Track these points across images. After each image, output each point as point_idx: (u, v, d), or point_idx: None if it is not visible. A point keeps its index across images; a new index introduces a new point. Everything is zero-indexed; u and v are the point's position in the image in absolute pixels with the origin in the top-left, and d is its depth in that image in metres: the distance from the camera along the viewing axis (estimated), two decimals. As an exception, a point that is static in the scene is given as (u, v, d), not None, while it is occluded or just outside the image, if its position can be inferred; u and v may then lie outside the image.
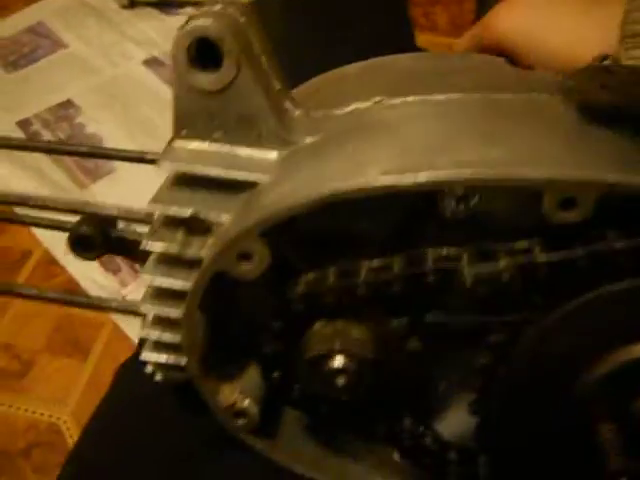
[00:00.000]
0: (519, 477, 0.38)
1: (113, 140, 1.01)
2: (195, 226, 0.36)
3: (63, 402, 0.83)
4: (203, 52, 0.35)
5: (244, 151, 0.37)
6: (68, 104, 1.06)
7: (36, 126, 1.04)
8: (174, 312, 0.36)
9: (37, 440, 0.79)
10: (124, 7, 1.19)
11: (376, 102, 0.38)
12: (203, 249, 0.35)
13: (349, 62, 0.49)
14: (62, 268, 0.90)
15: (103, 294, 0.84)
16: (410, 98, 0.38)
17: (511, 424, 0.36)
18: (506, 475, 0.38)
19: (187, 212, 0.35)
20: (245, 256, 0.33)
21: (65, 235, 0.42)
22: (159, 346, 0.38)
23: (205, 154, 0.37)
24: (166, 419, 0.45)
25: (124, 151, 0.43)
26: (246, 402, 0.38)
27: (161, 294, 0.37)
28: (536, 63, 0.46)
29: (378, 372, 0.34)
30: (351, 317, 0.34)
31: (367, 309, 0.34)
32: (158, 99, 1.04)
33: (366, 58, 0.46)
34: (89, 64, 1.11)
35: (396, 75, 0.43)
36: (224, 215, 0.35)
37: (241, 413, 0.38)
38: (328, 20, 0.71)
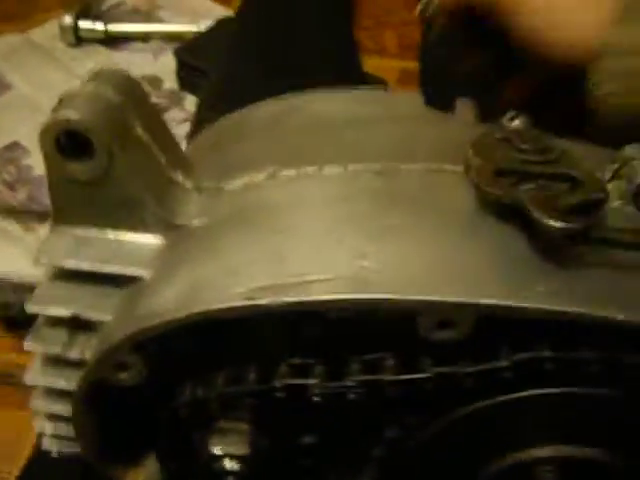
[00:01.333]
0: None
1: None
2: (79, 324, 0.34)
3: (13, 458, 0.79)
4: (74, 140, 0.33)
5: (128, 237, 0.35)
6: (15, 146, 1.03)
7: (-19, 170, 1.00)
8: (63, 410, 0.35)
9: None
10: (70, 45, 1.15)
11: (269, 174, 0.36)
12: (86, 350, 0.34)
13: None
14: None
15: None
16: (306, 169, 0.35)
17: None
18: None
19: (67, 312, 0.34)
20: (122, 366, 0.32)
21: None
22: (57, 438, 0.37)
23: (88, 242, 0.35)
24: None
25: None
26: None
27: (50, 393, 0.35)
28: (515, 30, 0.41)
29: (270, 470, 0.34)
30: (239, 418, 0.33)
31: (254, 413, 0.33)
32: None
33: (308, 85, 0.43)
34: (36, 105, 1.08)
35: (301, 128, 0.40)
36: (105, 314, 0.34)
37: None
38: (271, 54, 0.68)
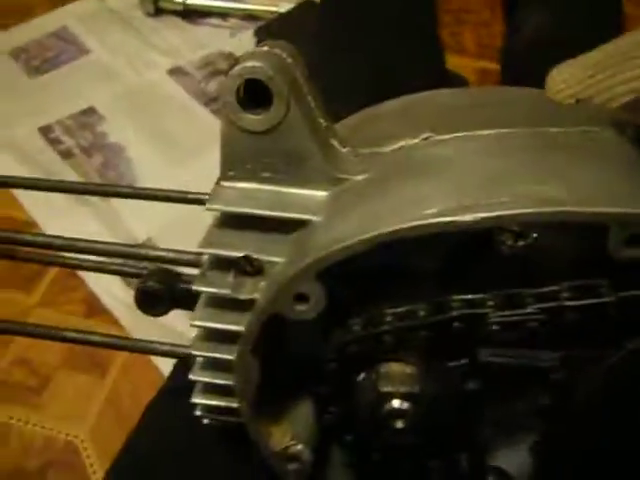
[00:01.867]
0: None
1: (135, 150, 1.00)
2: (246, 268, 0.36)
3: (80, 420, 0.82)
4: (251, 93, 0.35)
5: (293, 190, 0.36)
6: (91, 111, 1.05)
7: (57, 133, 1.03)
8: (226, 355, 0.36)
9: (53, 459, 0.78)
10: (149, 15, 1.18)
11: (424, 138, 0.38)
12: (256, 291, 0.35)
13: (375, 86, 0.48)
14: (81, 281, 0.89)
15: (123, 309, 0.83)
16: (459, 134, 0.37)
17: (574, 464, 0.36)
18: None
19: (239, 254, 0.35)
20: (301, 297, 0.33)
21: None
22: (209, 390, 0.38)
23: (254, 194, 0.36)
24: (201, 464, 0.45)
25: (167, 191, 0.42)
26: (299, 446, 0.38)
27: (212, 337, 0.36)
28: None
29: (436, 413, 0.34)
30: (409, 359, 0.34)
31: (425, 350, 0.34)
32: (182, 110, 1.03)
33: (392, 79, 0.45)
34: (113, 72, 1.10)
35: (437, 111, 0.42)
36: (276, 256, 0.35)
37: (293, 458, 0.38)
38: (356, 42, 0.70)
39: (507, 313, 0.32)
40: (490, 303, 0.32)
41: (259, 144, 0.36)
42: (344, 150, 0.38)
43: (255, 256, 0.35)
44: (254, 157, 0.36)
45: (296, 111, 0.35)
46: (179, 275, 0.41)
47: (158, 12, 1.18)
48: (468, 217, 0.30)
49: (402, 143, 0.38)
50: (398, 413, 0.34)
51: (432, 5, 0.78)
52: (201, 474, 0.46)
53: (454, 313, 0.32)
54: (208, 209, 0.36)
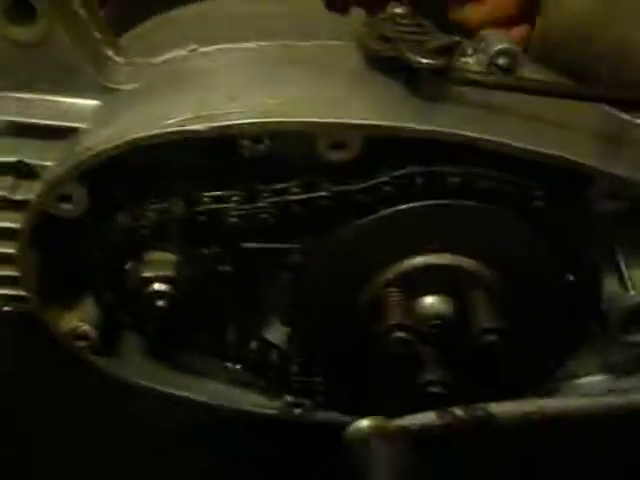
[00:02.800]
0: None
1: None
2: (23, 172, 0.39)
3: None
4: (20, 6, 0.37)
5: (66, 100, 0.40)
6: None
7: None
8: (8, 250, 0.40)
9: None
10: None
11: (191, 50, 0.42)
12: (30, 192, 0.39)
13: None
14: None
15: None
16: (221, 46, 0.41)
17: (314, 332, 0.42)
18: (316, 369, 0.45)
19: (14, 159, 0.39)
20: (65, 198, 0.37)
21: None
22: (1, 281, 0.42)
23: (28, 104, 0.39)
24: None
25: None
26: (85, 327, 0.43)
27: (-5, 235, 0.40)
28: None
29: (194, 293, 0.40)
30: (167, 247, 0.39)
31: (180, 240, 0.39)
32: None
33: None
34: None
35: (217, 22, 0.46)
36: (48, 160, 0.39)
37: (82, 336, 0.43)
38: None
39: (245, 207, 0.37)
40: (234, 199, 0.38)
41: (30, 56, 0.38)
42: (119, 60, 0.41)
43: (29, 161, 0.39)
44: (27, 69, 0.39)
45: (62, 25, 0.38)
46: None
47: None
48: (199, 127, 0.35)
49: (172, 54, 0.42)
50: (158, 293, 0.39)
51: None
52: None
53: (201, 208, 0.37)
54: (-19, 117, 0.39)
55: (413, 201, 0.37)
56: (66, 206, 0.37)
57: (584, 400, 0.38)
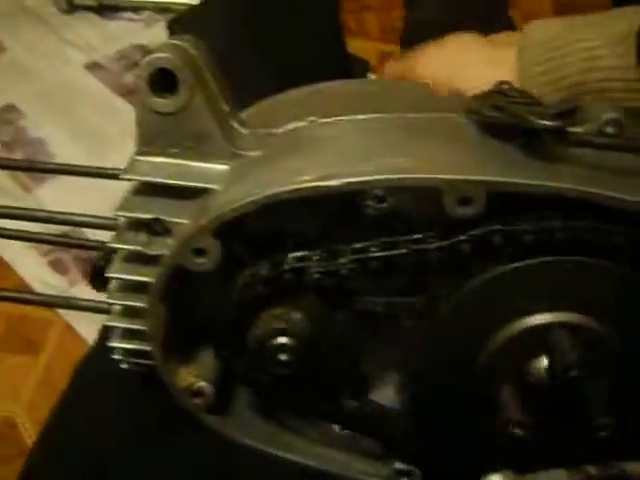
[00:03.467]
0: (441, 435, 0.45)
1: (57, 144, 1.03)
2: (156, 228, 0.42)
3: (17, 397, 0.86)
4: (162, 80, 0.41)
5: (197, 164, 0.43)
6: (10, 108, 1.08)
7: (-22, 131, 1.06)
8: (139, 303, 0.42)
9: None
10: (63, 11, 1.20)
11: (311, 121, 0.45)
12: (164, 248, 0.41)
13: (282, 73, 0.55)
14: (11, 270, 0.92)
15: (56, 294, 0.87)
16: (340, 117, 0.45)
17: (431, 393, 0.43)
18: (431, 433, 0.45)
19: (150, 216, 0.41)
20: (199, 252, 0.39)
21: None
22: (126, 335, 0.44)
23: (163, 167, 0.42)
24: (130, 402, 0.50)
25: (85, 167, 0.48)
26: (202, 383, 0.44)
27: (126, 288, 0.42)
28: None
29: (314, 350, 0.41)
30: (293, 303, 0.41)
31: (304, 296, 0.40)
32: (101, 103, 1.07)
33: (298, 66, 0.52)
34: (30, 69, 1.13)
35: (330, 98, 0.50)
36: (181, 218, 0.41)
37: (198, 393, 0.44)
38: (263, 31, 0.77)
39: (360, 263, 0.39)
40: (347, 257, 0.40)
41: (168, 124, 0.42)
42: (244, 131, 0.45)
43: (164, 218, 0.41)
44: (164, 135, 0.42)
45: (199, 97, 0.41)
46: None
47: (72, 8, 1.20)
48: (333, 182, 0.37)
49: (293, 125, 0.45)
50: (282, 348, 0.40)
51: None
52: (134, 416, 0.51)
53: (318, 267, 0.40)
54: (122, 178, 0.42)
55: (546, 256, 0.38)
56: (200, 260, 0.39)
57: None
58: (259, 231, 0.41)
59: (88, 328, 0.84)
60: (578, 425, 0.40)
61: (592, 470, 0.36)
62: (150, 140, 0.43)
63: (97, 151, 1.01)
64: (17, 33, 1.19)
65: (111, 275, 0.42)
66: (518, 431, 0.39)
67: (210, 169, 0.42)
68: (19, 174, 0.97)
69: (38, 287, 0.90)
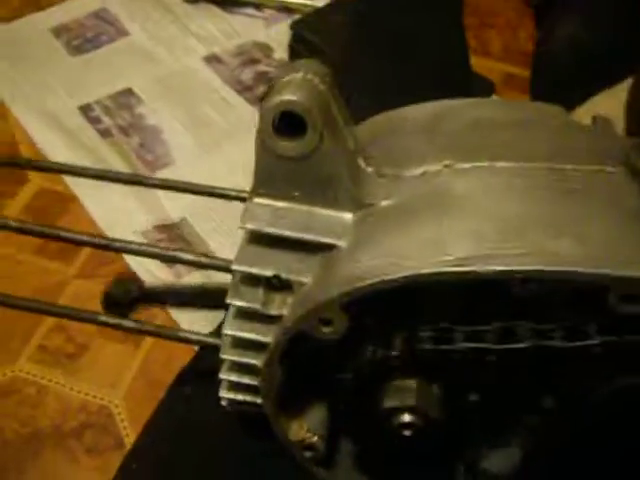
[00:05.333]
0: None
1: (172, 133, 1.02)
2: (274, 284, 0.39)
3: (114, 387, 0.87)
4: (286, 121, 0.37)
5: (321, 211, 0.39)
6: (129, 93, 1.08)
7: (97, 112, 1.06)
8: (253, 361, 0.39)
9: (89, 421, 0.83)
10: (187, 1, 1.20)
11: (445, 165, 0.40)
12: (283, 307, 0.38)
13: (403, 81, 0.50)
14: (117, 254, 0.92)
15: (158, 283, 0.86)
16: (479, 164, 0.40)
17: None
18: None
19: (269, 272, 0.38)
20: (326, 322, 0.36)
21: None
22: (235, 387, 0.41)
23: (283, 214, 0.39)
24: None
25: (224, 189, 0.46)
26: (314, 438, 0.42)
27: (240, 345, 0.40)
28: None
29: (440, 427, 0.38)
30: (423, 377, 0.37)
31: (437, 372, 0.37)
32: (216, 96, 1.05)
33: (419, 75, 0.47)
34: (151, 55, 1.13)
35: (460, 129, 0.44)
36: (303, 276, 0.38)
37: (309, 447, 0.42)
38: (385, 38, 0.72)
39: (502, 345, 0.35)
40: (489, 336, 0.36)
41: (292, 168, 0.38)
42: (369, 170, 0.40)
43: (284, 275, 0.38)
44: (286, 179, 0.39)
45: (329, 139, 0.37)
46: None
47: (196, -1, 1.20)
48: (484, 268, 0.33)
49: (424, 168, 0.40)
50: (406, 425, 0.37)
51: (458, 8, 0.80)
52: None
53: (453, 345, 0.35)
54: (241, 228, 0.39)
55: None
56: (326, 329, 0.36)
57: None
58: (391, 304, 0.37)
59: (187, 320, 0.84)
60: None
61: None
62: (269, 183, 0.39)
63: (209, 143, 0.99)
64: (140, 18, 1.19)
65: (226, 332, 0.39)
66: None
67: (335, 219, 0.39)
68: (134, 161, 0.97)
69: (142, 275, 0.89)
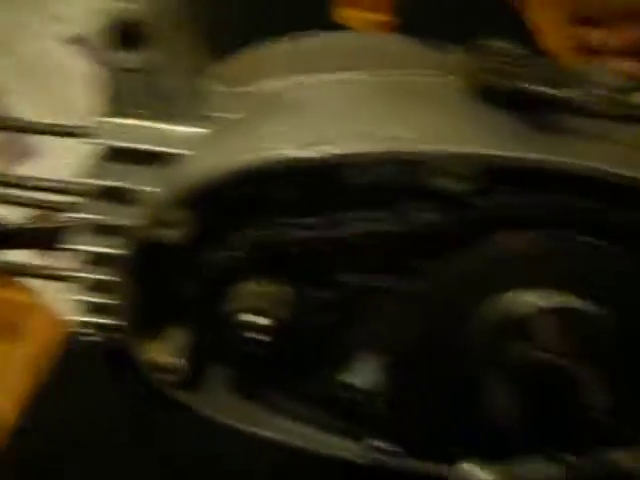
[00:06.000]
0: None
1: (35, 116, 0.99)
2: (124, 197, 0.39)
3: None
4: (129, 34, 0.37)
5: (168, 127, 0.39)
6: None
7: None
8: (107, 277, 0.39)
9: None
10: None
11: (294, 81, 0.41)
12: (131, 218, 0.38)
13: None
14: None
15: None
16: (324, 77, 0.41)
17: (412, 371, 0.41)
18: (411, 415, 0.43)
19: (114, 184, 0.38)
20: (169, 223, 0.36)
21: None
22: (93, 309, 0.41)
23: (132, 130, 0.39)
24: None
25: (54, 125, 0.45)
26: (175, 360, 0.42)
27: (93, 261, 0.39)
28: None
29: (290, 330, 0.38)
30: (270, 279, 0.38)
31: (282, 272, 0.38)
32: (82, 78, 1.02)
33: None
34: (7, 40, 1.09)
35: (312, 54, 0.46)
36: (150, 186, 0.38)
37: (170, 370, 0.42)
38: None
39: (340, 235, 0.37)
40: (328, 227, 0.37)
41: (135, 83, 0.38)
42: (220, 89, 0.41)
43: (130, 186, 0.38)
44: (131, 95, 0.39)
45: (170, 53, 0.38)
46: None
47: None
48: (316, 154, 0.34)
49: (271, 85, 0.41)
50: (255, 327, 0.38)
51: None
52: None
53: (294, 237, 0.37)
54: (86, 142, 0.39)
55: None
56: (170, 232, 0.36)
57: None
58: (234, 201, 0.38)
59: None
60: (565, 411, 0.38)
61: (572, 459, 0.34)
62: (116, 101, 0.39)
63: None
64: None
65: (75, 247, 0.39)
66: (500, 416, 0.37)
67: (182, 133, 0.39)
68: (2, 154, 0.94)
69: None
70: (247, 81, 0.43)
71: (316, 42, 0.47)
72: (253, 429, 0.44)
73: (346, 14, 0.89)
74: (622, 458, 0.34)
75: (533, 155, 0.33)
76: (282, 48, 0.48)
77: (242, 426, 0.44)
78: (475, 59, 0.39)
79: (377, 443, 0.44)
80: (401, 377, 0.41)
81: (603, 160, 0.34)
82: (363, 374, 0.43)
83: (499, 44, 0.40)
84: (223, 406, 0.44)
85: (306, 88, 0.40)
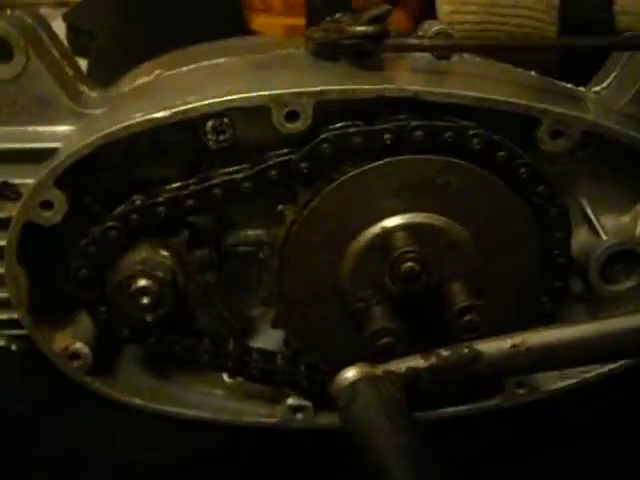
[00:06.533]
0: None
1: None
2: (6, 194, 0.42)
3: None
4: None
5: (44, 128, 0.43)
6: None
7: None
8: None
9: None
10: None
11: (157, 75, 0.46)
12: (14, 211, 0.41)
13: None
14: None
15: None
16: (184, 68, 0.46)
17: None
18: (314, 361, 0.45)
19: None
20: (46, 204, 0.39)
21: None
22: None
23: (11, 134, 0.43)
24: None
25: None
26: (77, 344, 0.44)
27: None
28: None
29: (177, 293, 0.41)
30: (143, 244, 0.41)
31: (158, 237, 0.41)
32: None
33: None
34: None
35: (190, 55, 0.50)
36: (30, 180, 0.41)
37: (74, 355, 0.44)
38: (165, 17, 0.79)
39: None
40: (190, 185, 0.41)
41: (10, 91, 0.42)
42: (92, 94, 0.45)
43: (12, 181, 0.41)
44: (9, 103, 0.43)
45: (37, 61, 0.42)
46: None
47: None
48: (163, 114, 0.38)
49: (139, 81, 0.46)
50: (142, 291, 0.40)
51: None
52: None
53: (161, 198, 0.40)
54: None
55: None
56: (47, 213, 0.40)
57: (569, 330, 0.37)
58: (102, 177, 0.42)
59: None
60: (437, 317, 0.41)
61: (445, 352, 0.36)
62: (-1, 109, 0.43)
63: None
64: None
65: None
66: (386, 340, 0.39)
67: (58, 130, 0.43)
68: None
69: None
70: (125, 84, 0.47)
71: (205, 45, 0.52)
72: (165, 407, 0.46)
73: (260, 21, 0.94)
74: (482, 347, 0.36)
75: (360, 86, 0.38)
76: (169, 56, 0.52)
77: (154, 405, 0.46)
78: (315, 28, 0.45)
79: (292, 401, 0.46)
80: (295, 325, 0.43)
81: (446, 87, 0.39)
82: (265, 336, 0.46)
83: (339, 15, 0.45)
84: (136, 388, 0.46)
85: (167, 78, 0.45)
